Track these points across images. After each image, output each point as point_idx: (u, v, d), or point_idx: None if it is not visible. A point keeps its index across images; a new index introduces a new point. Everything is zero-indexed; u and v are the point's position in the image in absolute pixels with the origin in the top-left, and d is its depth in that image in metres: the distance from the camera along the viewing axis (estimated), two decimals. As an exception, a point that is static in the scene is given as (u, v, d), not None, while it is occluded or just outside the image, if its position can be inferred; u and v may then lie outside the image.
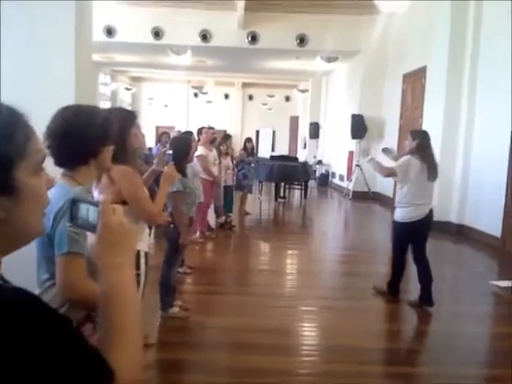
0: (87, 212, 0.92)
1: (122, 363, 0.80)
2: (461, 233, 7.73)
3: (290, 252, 6.94)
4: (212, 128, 7.75)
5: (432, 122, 8.53)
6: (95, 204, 0.92)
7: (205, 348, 3.46)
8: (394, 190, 7.19)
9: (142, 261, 2.37)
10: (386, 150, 5.02)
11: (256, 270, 5.75)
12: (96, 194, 2.21)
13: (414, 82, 10.01)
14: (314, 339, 3.92)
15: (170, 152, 3.70)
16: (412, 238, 4.50)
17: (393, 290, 4.70)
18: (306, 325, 4.14)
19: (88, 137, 1.47)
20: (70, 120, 1.48)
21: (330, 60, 11.36)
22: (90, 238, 0.93)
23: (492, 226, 6.98)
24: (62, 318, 0.75)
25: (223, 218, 7.83)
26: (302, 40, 11.66)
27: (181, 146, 3.92)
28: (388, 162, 4.89)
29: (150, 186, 2.67)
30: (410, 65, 10.14)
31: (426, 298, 4.43)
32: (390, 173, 4.57)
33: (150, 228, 3.69)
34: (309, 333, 4.02)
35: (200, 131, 6.87)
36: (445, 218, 8.03)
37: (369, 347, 3.72)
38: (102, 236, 0.90)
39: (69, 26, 3.29)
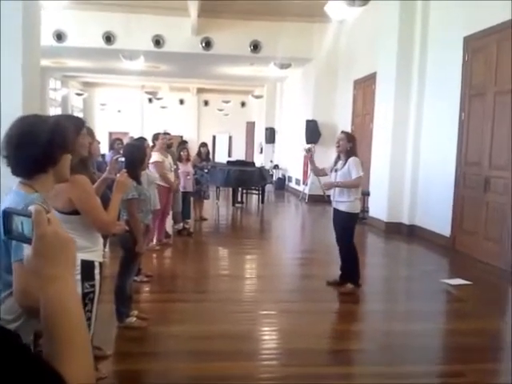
0: (21, 224, 0.88)
1: (73, 373, 0.79)
2: (412, 233, 7.99)
3: (248, 257, 6.95)
4: (168, 133, 7.69)
5: (382, 127, 8.80)
6: (29, 215, 0.87)
7: (164, 357, 3.41)
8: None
9: (96, 271, 2.32)
10: (308, 150, 5.56)
11: (214, 276, 5.72)
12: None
13: (365, 88, 10.29)
14: (274, 343, 3.93)
15: (123, 159, 3.64)
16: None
17: (358, 277, 4.96)
18: (265, 329, 4.16)
19: (46, 145, 1.46)
20: (27, 129, 1.47)
21: (283, 66, 11.52)
22: (26, 250, 0.89)
23: (441, 225, 7.26)
24: (8, 332, 0.73)
25: (181, 224, 7.75)
26: (255, 46, 11.76)
27: (134, 153, 3.86)
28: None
29: (103, 194, 2.62)
30: (361, 71, 10.42)
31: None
32: (358, 182, 4.91)
33: (106, 237, 3.60)
34: (268, 337, 4.03)
35: (156, 137, 6.78)
36: (397, 220, 8.29)
37: (327, 349, 3.78)
38: (37, 248, 0.86)
39: (16, 31, 3.19)
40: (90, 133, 2.90)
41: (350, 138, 4.97)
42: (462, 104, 6.94)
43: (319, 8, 7.54)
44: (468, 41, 6.83)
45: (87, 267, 2.28)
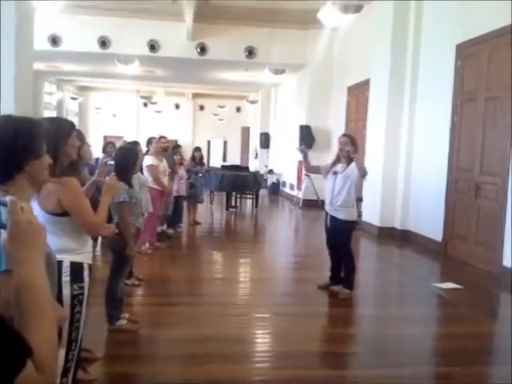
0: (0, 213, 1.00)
1: (37, 342, 0.90)
2: (405, 238, 8.04)
3: (241, 260, 6.96)
4: (164, 137, 7.71)
5: (375, 133, 8.86)
6: (4, 204, 0.99)
7: (155, 360, 3.40)
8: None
9: (85, 273, 2.33)
10: (301, 150, 5.39)
11: (207, 280, 5.72)
12: (35, 206, 2.16)
13: (358, 94, 10.36)
14: (266, 346, 3.94)
15: (112, 162, 3.65)
16: None
17: (352, 283, 4.95)
18: (258, 332, 4.16)
19: (9, 150, 1.40)
20: None
21: (277, 72, 11.58)
22: (3, 235, 1.00)
23: (433, 230, 7.30)
24: None
25: (164, 227, 7.70)
26: (250, 52, 11.82)
27: (126, 156, 3.87)
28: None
29: (93, 197, 2.63)
30: (354, 78, 10.50)
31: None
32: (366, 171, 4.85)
33: (95, 239, 3.61)
34: (261, 340, 4.04)
35: (150, 141, 6.79)
36: (389, 224, 8.33)
37: (320, 352, 3.80)
38: (11, 233, 0.98)
39: (8, 35, 3.21)
40: (80, 136, 2.92)
41: (353, 141, 4.88)
42: (454, 110, 7.01)
43: (313, 15, 7.59)
44: (460, 48, 6.91)
45: (76, 269, 2.29)
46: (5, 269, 1.38)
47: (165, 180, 6.66)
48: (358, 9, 6.30)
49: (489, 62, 6.28)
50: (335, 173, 4.84)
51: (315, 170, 5.32)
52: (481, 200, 6.35)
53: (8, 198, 0.99)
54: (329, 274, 5.19)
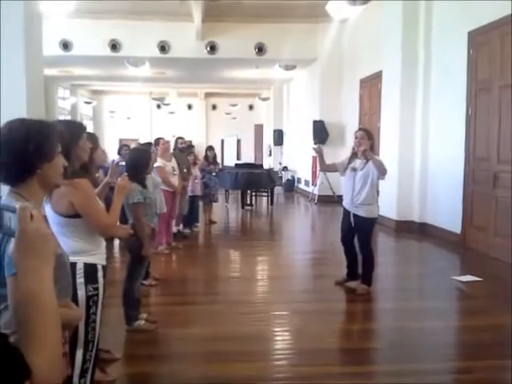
0: (10, 219, 0.97)
1: (38, 362, 0.85)
2: (423, 231, 7.94)
3: (258, 258, 6.95)
4: (181, 138, 7.77)
5: (389, 126, 8.76)
6: (15, 211, 0.96)
7: (173, 359, 3.42)
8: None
9: (99, 274, 2.34)
10: (317, 149, 5.25)
11: (225, 278, 5.72)
12: (47, 209, 2.18)
13: (371, 86, 10.25)
14: (286, 343, 3.92)
15: (123, 163, 3.67)
16: None
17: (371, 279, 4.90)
18: (276, 329, 4.14)
19: (21, 153, 1.40)
20: (6, 135, 1.42)
21: (288, 68, 11.53)
22: (12, 243, 0.98)
23: (452, 223, 7.19)
24: None
25: (180, 227, 7.73)
26: (260, 49, 11.79)
27: (139, 157, 3.89)
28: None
29: (108, 198, 2.64)
30: (366, 70, 10.38)
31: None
32: (386, 171, 4.73)
33: (111, 240, 3.63)
34: (280, 337, 4.01)
35: (157, 142, 6.78)
36: (407, 218, 8.24)
37: (339, 348, 3.78)
38: (19, 241, 0.95)
39: (18, 42, 3.24)
40: (95, 140, 2.93)
41: (370, 135, 4.73)
42: (469, 99, 6.89)
43: (322, 8, 7.54)
44: (472, 36, 6.78)
45: (90, 270, 2.30)
46: (15, 272, 1.40)
47: (174, 180, 6.64)
48: (366, 0, 6.22)
49: (501, 48, 6.16)
50: (354, 169, 4.70)
51: (331, 168, 5.21)
52: (499, 190, 6.23)
53: (17, 205, 0.97)
54: (345, 270, 5.14)
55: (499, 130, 6.23)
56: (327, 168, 5.32)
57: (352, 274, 5.07)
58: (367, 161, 4.61)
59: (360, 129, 4.98)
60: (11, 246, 0.98)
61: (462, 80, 6.99)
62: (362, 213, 4.71)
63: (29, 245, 0.95)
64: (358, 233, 4.84)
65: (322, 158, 5.10)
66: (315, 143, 11.78)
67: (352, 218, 4.79)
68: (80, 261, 2.25)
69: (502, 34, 6.10)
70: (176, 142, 7.71)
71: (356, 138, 4.73)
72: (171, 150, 7.07)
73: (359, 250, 4.96)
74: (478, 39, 6.69)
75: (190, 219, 8.01)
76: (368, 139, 4.66)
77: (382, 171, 4.62)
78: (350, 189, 4.75)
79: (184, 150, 7.70)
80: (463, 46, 6.94)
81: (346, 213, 4.89)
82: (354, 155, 4.77)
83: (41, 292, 0.94)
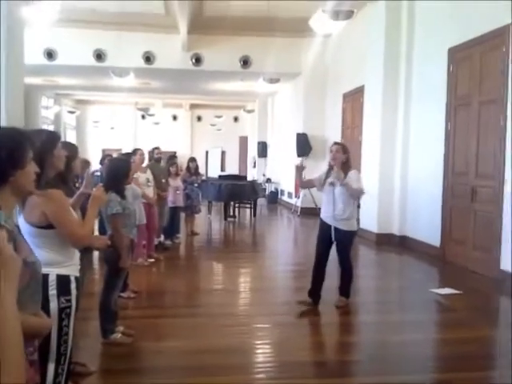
0: None
1: (4, 380, 0.86)
2: (403, 244, 8.00)
3: (241, 270, 6.92)
4: (157, 148, 7.70)
5: (371, 140, 8.87)
6: None
7: (151, 373, 3.36)
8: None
9: (73, 286, 2.30)
10: (298, 165, 5.18)
11: (206, 291, 5.68)
12: (20, 219, 2.15)
13: (353, 101, 10.37)
14: (267, 356, 3.89)
15: (98, 173, 3.65)
16: None
17: (349, 291, 4.90)
18: (257, 342, 4.11)
19: None
20: None
21: (272, 81, 11.62)
22: None
23: (431, 236, 7.27)
24: None
25: (161, 238, 7.67)
26: (245, 62, 11.87)
27: (118, 167, 3.86)
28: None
29: (85, 208, 2.60)
30: (349, 84, 10.52)
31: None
32: (362, 193, 4.72)
33: (90, 251, 3.58)
34: (261, 350, 3.98)
35: (135, 152, 6.72)
36: (387, 231, 8.30)
37: (320, 361, 3.76)
38: None
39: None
40: (73, 149, 2.91)
41: (344, 149, 4.70)
42: (448, 114, 7.02)
43: (306, 23, 7.62)
44: (452, 52, 6.93)
45: (63, 282, 2.27)
46: None
47: (149, 191, 6.54)
48: (349, 15, 6.32)
49: (481, 65, 6.30)
50: (332, 184, 4.67)
51: (309, 184, 5.24)
52: (477, 204, 6.33)
53: None
54: (328, 282, 4.97)
55: (477, 145, 6.35)
56: (306, 185, 5.39)
57: (316, 294, 4.88)
58: (345, 176, 4.58)
59: (335, 143, 4.94)
60: None
61: (442, 95, 7.12)
62: (343, 226, 4.68)
63: None
64: (339, 246, 4.80)
65: (301, 176, 5.06)
66: (299, 156, 11.88)
67: (333, 232, 4.74)
68: (52, 272, 2.22)
69: (482, 50, 6.25)
70: (152, 152, 7.64)
71: (331, 151, 4.72)
72: (146, 162, 7.01)
73: (339, 263, 4.90)
74: (458, 55, 6.83)
75: (171, 230, 7.95)
76: (343, 153, 4.65)
77: (355, 197, 4.70)
78: (331, 203, 4.69)
79: (160, 160, 7.65)
80: (443, 62, 7.09)
81: (325, 226, 4.80)
82: (330, 169, 4.72)
83: (2, 315, 0.93)
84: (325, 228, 4.81)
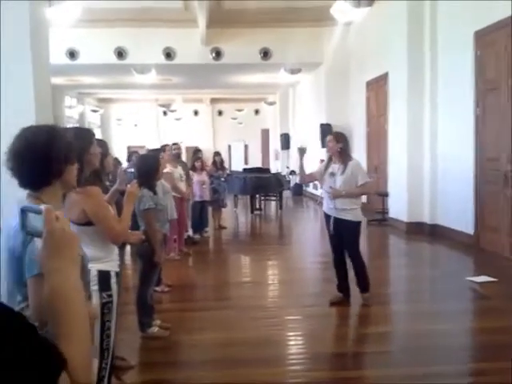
0: (34, 220, 1.00)
1: (72, 353, 0.88)
2: (434, 232, 7.86)
3: (269, 263, 6.93)
4: (176, 144, 7.73)
5: (397, 128, 8.72)
6: (40, 212, 0.99)
7: (188, 366, 3.41)
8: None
9: (113, 281, 2.33)
10: (301, 150, 5.03)
11: (236, 284, 5.71)
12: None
13: (377, 89, 10.21)
14: (299, 348, 3.90)
15: (131, 170, 3.69)
16: None
17: (368, 285, 4.67)
18: (289, 334, 4.12)
19: (49, 157, 1.45)
20: (30, 140, 1.46)
21: (293, 72, 11.54)
22: (38, 243, 1.01)
23: (464, 223, 7.11)
24: (18, 314, 0.83)
25: (189, 233, 7.72)
26: (265, 54, 11.81)
27: (148, 163, 3.90)
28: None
29: (120, 204, 2.63)
30: (372, 72, 10.35)
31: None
32: (368, 189, 4.65)
33: (122, 247, 3.62)
34: (293, 342, 3.99)
35: (163, 149, 6.78)
36: (418, 219, 8.17)
37: (352, 352, 3.75)
38: (45, 242, 0.98)
39: (25, 51, 3.25)
40: (105, 146, 2.93)
41: (338, 138, 4.52)
42: (477, 99, 6.84)
43: (327, 12, 7.53)
44: (478, 35, 6.74)
45: (103, 277, 2.30)
46: (37, 273, 1.40)
47: (182, 186, 6.65)
48: (371, 2, 6.20)
49: (508, 47, 6.10)
50: (332, 174, 4.53)
51: (310, 178, 5.05)
52: (510, 189, 6.16)
53: (43, 207, 1.00)
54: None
55: (509, 129, 6.17)
56: (307, 179, 5.14)
57: (345, 287, 4.75)
58: (345, 165, 4.46)
59: (331, 133, 4.82)
60: (38, 246, 1.00)
61: (469, 80, 6.95)
62: (347, 217, 4.50)
63: (55, 245, 0.97)
64: (345, 239, 4.61)
65: (302, 169, 4.88)
66: (323, 147, 11.75)
67: (332, 222, 4.59)
68: (93, 268, 2.25)
69: (509, 32, 6.06)
70: (170, 148, 7.68)
71: (327, 141, 4.62)
72: (184, 155, 7.09)
73: (350, 258, 4.69)
74: (484, 39, 6.64)
75: (199, 224, 8.01)
76: (336, 142, 4.47)
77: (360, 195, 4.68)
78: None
79: (179, 155, 7.67)
80: (469, 45, 6.90)
81: (328, 219, 4.66)
82: (329, 160, 4.62)
83: (69, 288, 0.97)
84: (329, 221, 4.66)
